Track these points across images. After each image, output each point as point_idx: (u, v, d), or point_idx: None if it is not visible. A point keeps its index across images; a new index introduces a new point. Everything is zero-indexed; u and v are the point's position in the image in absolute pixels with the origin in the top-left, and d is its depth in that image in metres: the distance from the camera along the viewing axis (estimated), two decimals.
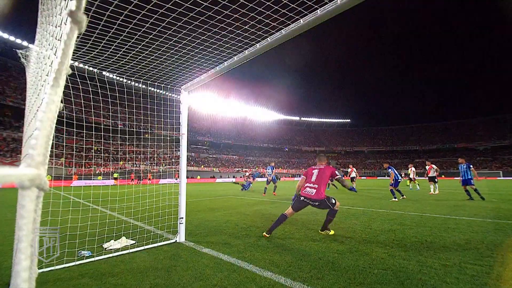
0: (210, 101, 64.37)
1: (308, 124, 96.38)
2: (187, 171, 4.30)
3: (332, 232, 4.26)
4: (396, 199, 9.27)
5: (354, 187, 13.10)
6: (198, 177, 45.13)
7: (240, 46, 3.12)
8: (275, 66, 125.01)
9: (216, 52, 3.26)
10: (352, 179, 15.24)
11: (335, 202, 4.20)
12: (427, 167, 12.36)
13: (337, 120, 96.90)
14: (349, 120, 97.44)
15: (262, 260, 3.01)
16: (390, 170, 9.73)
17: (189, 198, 10.43)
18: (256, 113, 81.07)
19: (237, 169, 52.67)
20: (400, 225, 4.91)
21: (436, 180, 12.11)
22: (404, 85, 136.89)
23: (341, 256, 3.11)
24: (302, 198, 4.34)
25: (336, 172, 4.49)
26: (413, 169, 15.03)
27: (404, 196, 9.82)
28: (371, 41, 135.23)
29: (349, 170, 15.65)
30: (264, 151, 77.12)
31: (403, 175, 15.34)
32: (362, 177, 54.59)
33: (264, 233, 4.18)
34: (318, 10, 2.41)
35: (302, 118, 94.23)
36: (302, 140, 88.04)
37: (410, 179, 15.33)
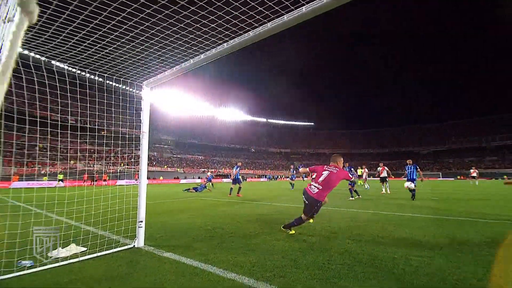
0: (176, 99, 62.05)
1: (275, 126, 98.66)
2: (148, 171, 4.08)
3: (292, 232, 4.36)
4: (353, 198, 9.95)
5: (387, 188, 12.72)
6: (161, 177, 43.15)
7: (207, 44, 3.06)
8: (244, 67, 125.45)
9: (181, 48, 3.15)
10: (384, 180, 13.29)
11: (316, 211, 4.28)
12: (379, 169, 13.46)
13: (302, 123, 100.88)
14: (313, 123, 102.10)
15: (226, 261, 2.98)
16: (347, 169, 10.50)
17: (150, 200, 9.90)
18: (223, 113, 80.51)
19: (203, 169, 51.56)
20: (356, 222, 5.27)
21: (387, 180, 13.27)
22: (362, 93, 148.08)
23: (302, 254, 3.23)
24: (304, 197, 4.35)
25: (350, 174, 4.41)
26: (366, 170, 16.44)
27: (360, 196, 10.58)
28: (333, 48, 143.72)
29: (380, 169, 13.40)
30: (231, 151, 76.88)
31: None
32: None
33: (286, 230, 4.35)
34: (284, 16, 2.47)
35: (269, 120, 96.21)
36: (269, 141, 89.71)
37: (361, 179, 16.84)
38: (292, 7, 2.37)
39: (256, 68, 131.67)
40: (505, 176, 47.90)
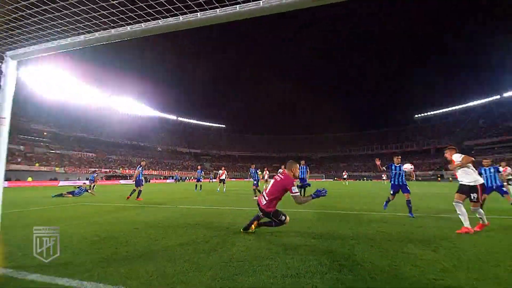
0: (60, 82, 50.14)
1: (186, 125, 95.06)
2: (10, 170, 3.07)
3: (252, 229, 4.32)
4: (256, 197, 10.76)
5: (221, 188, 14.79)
6: (30, 178, 33.56)
7: (88, 25, 2.62)
8: (155, 59, 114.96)
9: (59, 22, 2.55)
10: (222, 181, 16.20)
11: (285, 219, 4.11)
12: (280, 171, 15.32)
13: (213, 124, 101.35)
14: (224, 126, 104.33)
15: (117, 275, 2.60)
16: (252, 171, 11.48)
17: (11, 208, 7.52)
18: (126, 106, 70.98)
19: (93, 169, 43.19)
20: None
21: (225, 182, 16.08)
22: (264, 101, 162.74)
23: (206, 256, 3.21)
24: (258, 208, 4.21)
25: (293, 188, 3.93)
26: (267, 172, 18.38)
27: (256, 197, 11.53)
28: (246, 52, 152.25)
29: (220, 172, 16.73)
30: (133, 149, 68.48)
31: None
32: (233, 179, 59.56)
33: None
34: (180, 17, 2.44)
35: (180, 119, 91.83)
36: (178, 140, 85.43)
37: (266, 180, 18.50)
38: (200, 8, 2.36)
39: (171, 63, 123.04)
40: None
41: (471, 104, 74.27)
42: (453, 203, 4.71)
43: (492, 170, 6.86)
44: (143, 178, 11.05)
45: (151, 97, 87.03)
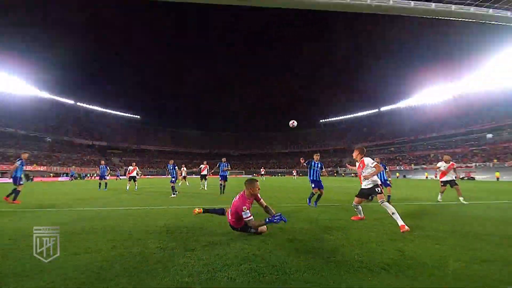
0: None
1: (88, 112, 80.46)
2: None
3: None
4: (175, 195, 10.20)
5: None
6: None
7: None
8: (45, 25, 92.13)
9: None
10: (133, 178, 14.44)
11: (255, 231, 3.99)
12: (202, 166, 14.98)
13: (126, 114, 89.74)
14: (139, 117, 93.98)
15: None
16: (170, 167, 10.94)
17: None
18: None
19: None
20: (176, 219, 5.42)
21: (206, 178, 15.01)
22: (195, 95, 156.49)
23: (109, 264, 2.82)
24: None
25: (243, 213, 3.78)
26: (185, 168, 17.89)
27: (177, 192, 10.99)
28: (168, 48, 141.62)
29: (131, 168, 14.51)
30: (9, 139, 53.19)
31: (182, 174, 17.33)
32: (148, 176, 54.37)
33: None
34: None
35: (80, 104, 76.93)
36: (77, 130, 71.61)
37: (184, 177, 17.92)
38: None
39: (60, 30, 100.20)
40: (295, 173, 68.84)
41: (358, 114, 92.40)
42: (353, 206, 5.21)
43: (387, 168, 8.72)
44: (22, 175, 8.69)
45: (39, 74, 68.70)
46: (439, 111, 64.80)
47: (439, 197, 8.41)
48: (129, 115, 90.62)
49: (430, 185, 19.84)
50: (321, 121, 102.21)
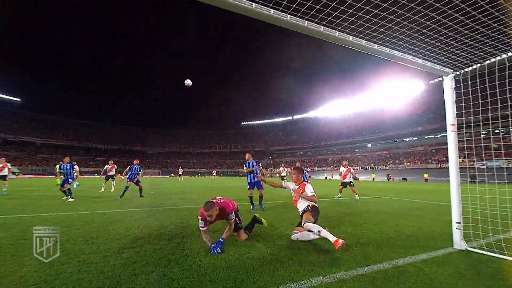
0: None
1: None
2: None
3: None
4: (73, 200, 8.42)
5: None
6: None
7: None
8: None
9: None
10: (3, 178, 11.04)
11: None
12: (107, 166, 13.06)
13: None
14: (19, 99, 73.45)
15: None
16: (64, 166, 9.09)
17: None
18: None
19: None
20: (67, 227, 4.50)
21: (114, 178, 13.11)
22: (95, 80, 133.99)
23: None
24: None
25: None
26: (76, 167, 14.83)
27: (73, 199, 9.17)
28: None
29: (109, 167, 13.12)
30: None
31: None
32: (28, 175, 42.85)
33: None
34: None
35: None
36: None
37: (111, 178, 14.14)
38: None
39: None
40: (200, 175, 67.28)
41: (276, 120, 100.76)
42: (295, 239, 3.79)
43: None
44: None
45: None
46: (336, 123, 78.09)
47: (339, 194, 10.30)
48: (3, 96, 69.50)
49: (331, 184, 23.57)
50: (242, 123, 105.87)
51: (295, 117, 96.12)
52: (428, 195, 12.01)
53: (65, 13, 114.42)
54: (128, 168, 10.25)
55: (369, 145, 65.98)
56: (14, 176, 10.09)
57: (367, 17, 2.02)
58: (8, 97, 70.43)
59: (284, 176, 20.23)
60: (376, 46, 2.32)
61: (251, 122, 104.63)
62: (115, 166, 13.45)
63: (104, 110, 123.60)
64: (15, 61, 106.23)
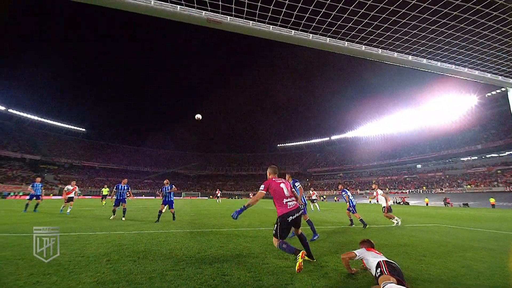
0: None
1: (21, 121, 69.90)
2: None
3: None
4: (123, 219, 9.11)
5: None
6: None
7: None
8: None
9: None
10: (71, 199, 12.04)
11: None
12: (70, 187, 12.44)
13: (68, 126, 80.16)
14: (84, 130, 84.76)
15: None
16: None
17: None
18: None
19: None
20: (117, 246, 4.80)
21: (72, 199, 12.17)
22: (147, 107, 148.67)
23: None
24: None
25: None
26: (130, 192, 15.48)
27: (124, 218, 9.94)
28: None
29: (70, 187, 12.26)
30: None
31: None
32: (87, 196, 48.06)
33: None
34: None
35: (12, 111, 66.56)
36: (4, 140, 61.04)
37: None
38: None
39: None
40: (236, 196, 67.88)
41: (312, 141, 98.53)
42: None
43: None
44: None
45: None
46: (379, 142, 73.16)
47: (396, 220, 9.02)
48: (72, 127, 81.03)
49: (377, 208, 21.66)
50: (278, 145, 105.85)
51: (333, 137, 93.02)
52: (499, 224, 10.20)
53: (129, 53, 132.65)
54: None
55: (418, 165, 59.93)
56: (77, 197, 11.53)
57: (414, 32, 1.92)
58: (75, 127, 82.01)
59: (315, 199, 19.44)
60: (425, 60, 2.17)
61: (287, 144, 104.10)
62: (76, 188, 12.79)
63: (152, 136, 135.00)
64: (84, 97, 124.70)
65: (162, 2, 2.13)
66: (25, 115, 69.27)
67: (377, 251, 3.20)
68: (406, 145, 65.17)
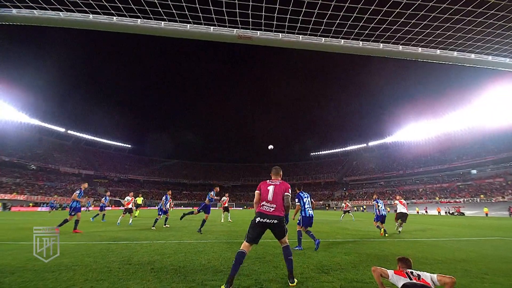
0: None
1: (77, 141, 79.06)
2: None
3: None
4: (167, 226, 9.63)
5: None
6: None
7: None
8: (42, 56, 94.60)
9: None
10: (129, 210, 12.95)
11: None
12: (129, 199, 13.27)
13: (116, 143, 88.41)
14: (129, 146, 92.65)
15: None
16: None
17: None
18: None
19: None
20: (160, 255, 5.05)
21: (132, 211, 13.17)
22: (185, 125, 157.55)
23: None
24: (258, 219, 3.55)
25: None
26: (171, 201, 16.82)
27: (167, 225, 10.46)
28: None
29: (129, 198, 13.14)
30: None
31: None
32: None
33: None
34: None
35: (70, 132, 75.70)
36: (64, 158, 69.55)
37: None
38: None
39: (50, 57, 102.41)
40: None
41: (348, 148, 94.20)
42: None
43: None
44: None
45: (28, 101, 67.27)
46: (424, 146, 66.94)
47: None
48: (119, 143, 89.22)
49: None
50: (312, 154, 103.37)
51: (370, 143, 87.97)
52: None
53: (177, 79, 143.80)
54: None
55: (473, 171, 53.39)
56: (135, 209, 13.08)
57: (457, 26, 1.77)
58: (122, 144, 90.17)
59: (348, 211, 18.41)
60: (473, 56, 1.98)
61: (321, 152, 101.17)
62: (134, 198, 13.52)
63: (189, 149, 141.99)
64: (128, 117, 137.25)
65: (198, 26, 2.30)
66: (81, 135, 78.23)
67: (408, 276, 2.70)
68: (456, 148, 58.89)
